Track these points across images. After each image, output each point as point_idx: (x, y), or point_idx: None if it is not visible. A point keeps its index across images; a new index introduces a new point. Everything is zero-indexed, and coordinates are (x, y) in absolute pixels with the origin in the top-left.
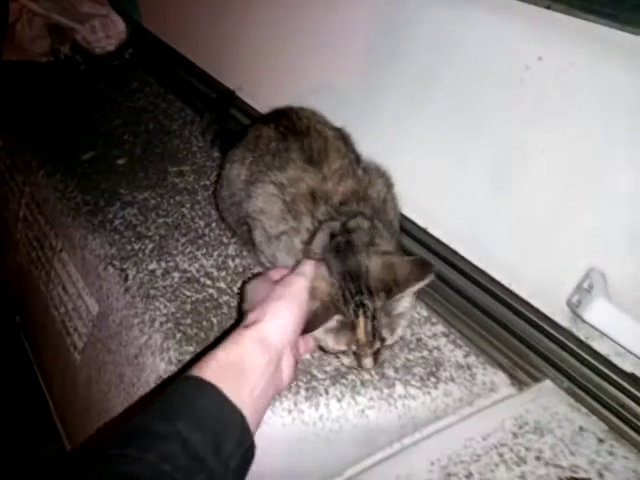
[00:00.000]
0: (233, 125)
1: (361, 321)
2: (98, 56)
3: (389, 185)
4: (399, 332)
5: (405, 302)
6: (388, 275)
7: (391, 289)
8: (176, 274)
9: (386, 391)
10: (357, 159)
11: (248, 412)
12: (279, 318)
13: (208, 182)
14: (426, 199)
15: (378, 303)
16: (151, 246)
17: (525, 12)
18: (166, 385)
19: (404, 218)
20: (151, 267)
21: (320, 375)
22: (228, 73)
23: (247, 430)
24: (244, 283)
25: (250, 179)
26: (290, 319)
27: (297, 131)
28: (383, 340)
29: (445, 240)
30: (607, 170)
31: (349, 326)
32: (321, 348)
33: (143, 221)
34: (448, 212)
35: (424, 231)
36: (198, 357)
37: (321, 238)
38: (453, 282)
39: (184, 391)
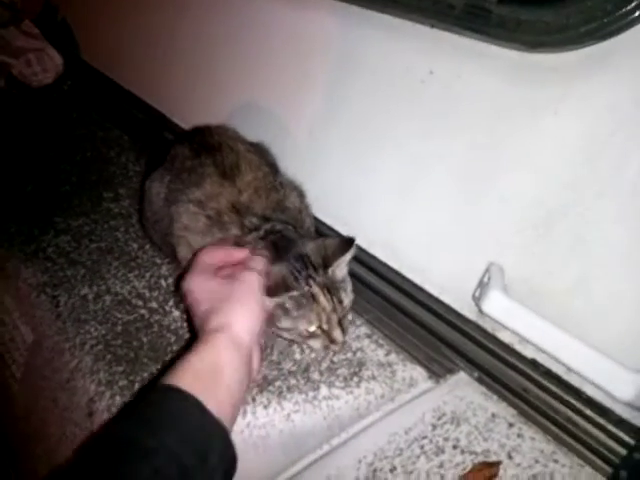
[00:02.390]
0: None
1: (316, 289)
2: (36, 89)
3: (302, 196)
4: (349, 294)
5: (340, 271)
6: (322, 253)
7: (326, 263)
8: (108, 297)
9: (311, 394)
10: (274, 172)
11: (227, 416)
12: (245, 319)
13: None
14: (347, 208)
15: (322, 275)
16: (83, 271)
17: (415, 31)
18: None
19: (328, 228)
20: (83, 292)
21: None
22: (162, 98)
23: (229, 444)
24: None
25: (169, 197)
26: (254, 317)
27: (209, 147)
28: (341, 302)
29: (365, 246)
30: (494, 172)
31: (310, 300)
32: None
33: (76, 247)
34: (366, 219)
35: None
36: (127, 376)
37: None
38: (374, 285)
39: (167, 404)
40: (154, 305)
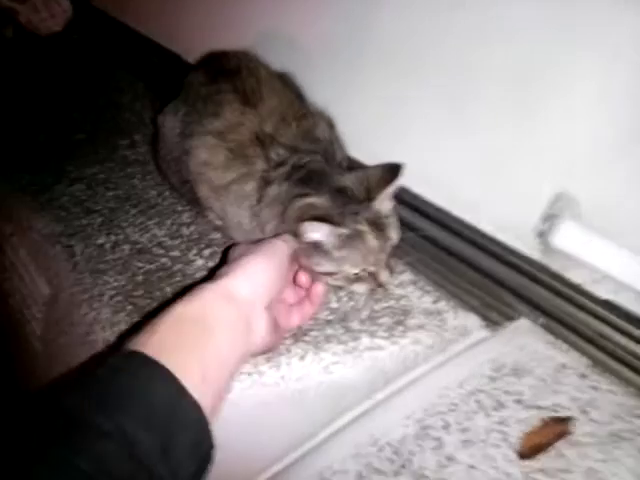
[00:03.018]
0: None
1: (364, 226)
2: (45, 37)
3: (332, 126)
4: (397, 230)
5: (386, 204)
6: (364, 184)
7: (371, 195)
8: (126, 246)
9: (351, 344)
10: (301, 101)
11: (214, 388)
12: (252, 273)
13: None
14: (385, 143)
15: (367, 210)
16: (100, 220)
17: None
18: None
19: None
20: (100, 241)
21: None
22: (176, 38)
23: (205, 429)
24: (227, 248)
25: (185, 131)
26: (265, 276)
27: (227, 72)
28: (390, 239)
29: (407, 183)
30: (561, 86)
31: (356, 239)
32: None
33: (91, 196)
34: (408, 154)
35: None
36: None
37: (275, 192)
38: (419, 226)
39: (130, 376)
40: (176, 253)
